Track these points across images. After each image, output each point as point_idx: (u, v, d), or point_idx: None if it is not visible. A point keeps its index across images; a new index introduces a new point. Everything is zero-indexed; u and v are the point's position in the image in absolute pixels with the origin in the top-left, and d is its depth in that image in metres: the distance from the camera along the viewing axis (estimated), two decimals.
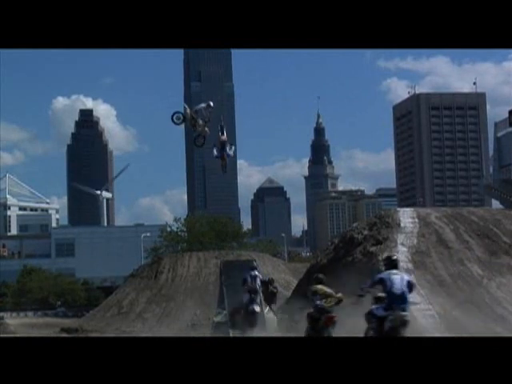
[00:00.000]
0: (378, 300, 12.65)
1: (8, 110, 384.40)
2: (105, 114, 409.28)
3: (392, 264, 12.79)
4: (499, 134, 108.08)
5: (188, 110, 19.67)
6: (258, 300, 24.26)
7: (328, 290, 15.13)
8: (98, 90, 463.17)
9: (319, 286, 15.31)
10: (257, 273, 24.93)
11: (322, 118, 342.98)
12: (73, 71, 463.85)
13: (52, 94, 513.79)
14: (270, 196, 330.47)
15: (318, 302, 14.98)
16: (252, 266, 25.66)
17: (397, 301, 12.24)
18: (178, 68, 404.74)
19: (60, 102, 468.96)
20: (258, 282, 24.49)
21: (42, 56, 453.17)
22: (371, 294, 12.82)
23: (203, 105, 19.94)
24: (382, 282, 12.49)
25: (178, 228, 75.23)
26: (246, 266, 27.45)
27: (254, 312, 23.28)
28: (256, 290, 24.09)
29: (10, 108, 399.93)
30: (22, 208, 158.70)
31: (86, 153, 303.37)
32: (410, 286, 12.62)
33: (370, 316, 12.71)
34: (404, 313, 12.27)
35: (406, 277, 12.78)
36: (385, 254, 24.47)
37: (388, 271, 12.61)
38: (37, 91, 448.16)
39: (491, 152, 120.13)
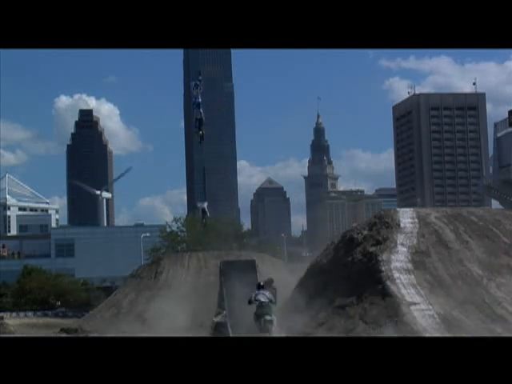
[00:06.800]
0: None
1: (11, 110, 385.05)
2: (108, 113, 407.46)
3: (260, 286, 20.90)
4: (499, 135, 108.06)
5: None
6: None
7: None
8: (101, 88, 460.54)
9: None
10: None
11: (321, 118, 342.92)
12: (75, 70, 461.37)
13: (55, 93, 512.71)
14: (270, 196, 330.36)
15: None
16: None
17: (261, 308, 19.52)
18: (178, 68, 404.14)
19: (63, 101, 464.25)
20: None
21: (44, 55, 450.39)
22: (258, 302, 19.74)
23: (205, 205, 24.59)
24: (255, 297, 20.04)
25: (177, 228, 75.04)
26: (247, 268, 27.05)
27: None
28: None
29: (12, 107, 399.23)
30: (21, 208, 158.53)
31: (86, 153, 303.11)
32: (270, 300, 20.08)
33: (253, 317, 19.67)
34: (268, 317, 19.47)
35: (268, 294, 20.30)
36: (385, 255, 24.49)
37: (258, 290, 20.23)
38: (39, 90, 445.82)
39: (491, 152, 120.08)
